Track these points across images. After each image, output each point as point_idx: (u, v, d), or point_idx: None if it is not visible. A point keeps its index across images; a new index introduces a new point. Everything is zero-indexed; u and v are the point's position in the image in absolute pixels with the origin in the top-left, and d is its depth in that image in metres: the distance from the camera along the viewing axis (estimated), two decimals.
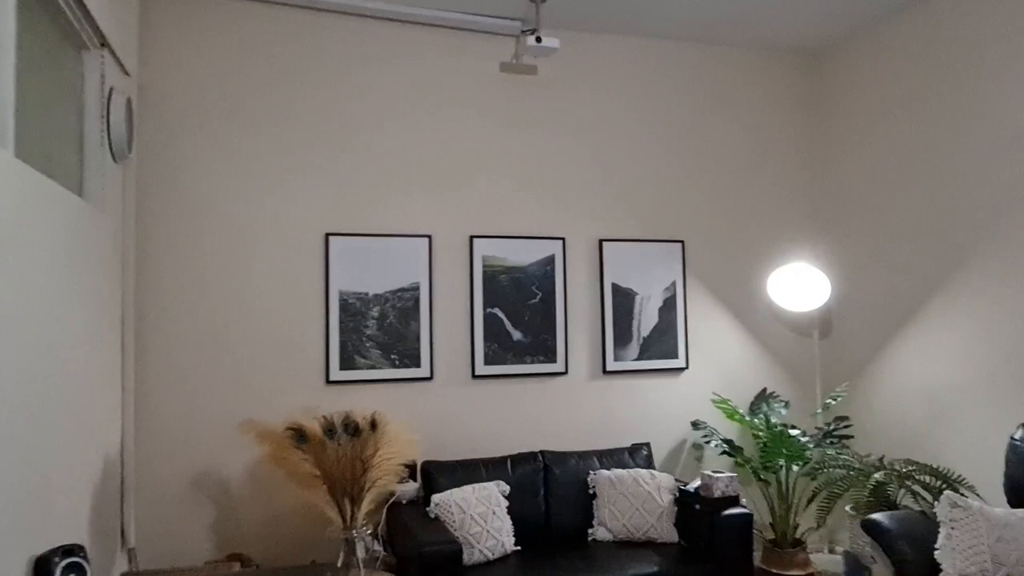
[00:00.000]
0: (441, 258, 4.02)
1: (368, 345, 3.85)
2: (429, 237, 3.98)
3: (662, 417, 4.33)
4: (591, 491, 3.75)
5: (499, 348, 4.06)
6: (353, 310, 3.84)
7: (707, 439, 4.17)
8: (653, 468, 3.97)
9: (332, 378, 3.78)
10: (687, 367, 4.38)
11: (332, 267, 3.82)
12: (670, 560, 3.34)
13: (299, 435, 3.16)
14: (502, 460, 3.76)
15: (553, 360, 4.15)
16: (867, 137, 4.33)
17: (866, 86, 4.34)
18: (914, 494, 3.37)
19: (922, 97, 3.96)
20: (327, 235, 3.82)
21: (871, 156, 4.31)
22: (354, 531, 3.08)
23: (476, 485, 3.52)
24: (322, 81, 3.87)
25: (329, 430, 3.17)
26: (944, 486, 3.33)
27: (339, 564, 3.07)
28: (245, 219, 3.71)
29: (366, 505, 3.18)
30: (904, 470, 3.45)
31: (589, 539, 3.65)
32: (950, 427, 3.78)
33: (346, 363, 3.81)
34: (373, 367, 3.85)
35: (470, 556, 3.25)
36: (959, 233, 3.74)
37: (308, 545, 3.65)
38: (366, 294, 3.87)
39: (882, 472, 3.38)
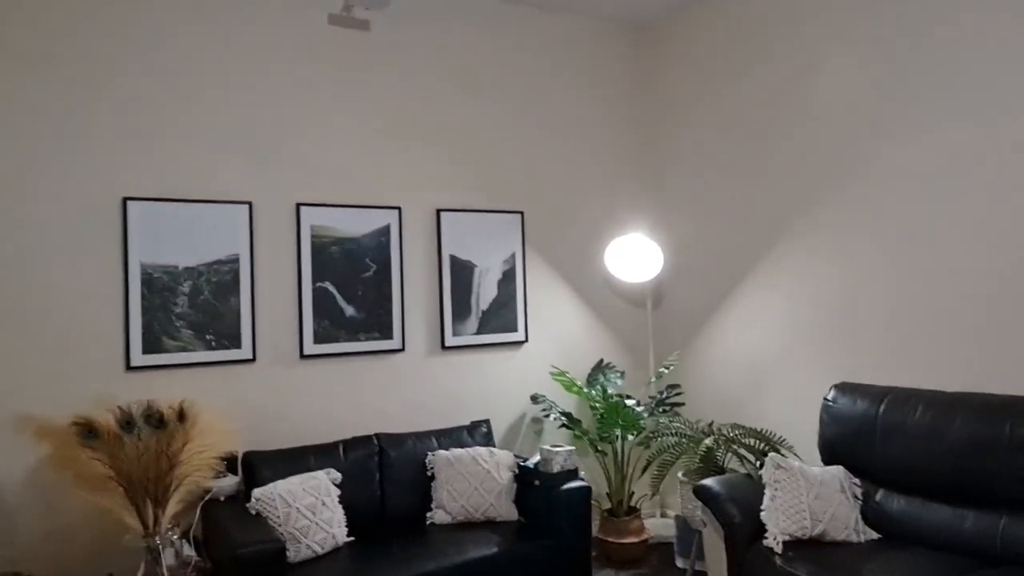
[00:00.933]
0: (264, 227, 3.64)
1: (178, 325, 3.42)
2: (249, 204, 3.59)
3: (502, 392, 4.24)
4: (429, 473, 3.58)
5: (330, 325, 3.77)
6: (159, 285, 3.38)
7: (546, 413, 4.13)
8: (493, 445, 3.87)
9: (134, 363, 3.32)
10: (526, 340, 4.32)
11: (131, 236, 3.34)
12: (509, 539, 3.25)
13: (88, 430, 2.72)
14: (333, 446, 3.49)
15: (389, 336, 3.92)
16: (696, 111, 4.44)
17: (696, 60, 4.44)
18: (740, 457, 3.51)
19: (745, 73, 4.10)
20: (125, 199, 3.32)
21: (700, 130, 4.42)
22: (157, 537, 2.71)
23: (304, 475, 3.23)
24: (122, 19, 3.34)
25: (126, 423, 2.77)
26: (767, 448, 3.49)
27: (140, 575, 2.69)
28: (20, 177, 3.13)
29: (173, 506, 2.82)
30: (731, 434, 3.58)
31: (428, 523, 3.49)
32: (771, 391, 3.98)
33: (151, 346, 3.36)
34: (185, 349, 3.43)
35: (296, 553, 2.98)
36: (779, 206, 3.92)
37: (103, 557, 3.18)
38: (175, 267, 3.42)
39: (711, 438, 3.49)
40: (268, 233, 3.65)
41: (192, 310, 3.45)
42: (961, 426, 2.81)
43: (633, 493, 4.17)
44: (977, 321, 3.08)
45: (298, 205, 3.70)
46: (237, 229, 3.57)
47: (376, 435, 3.62)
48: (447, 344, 4.07)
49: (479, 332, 4.17)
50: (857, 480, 3.12)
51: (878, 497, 3.05)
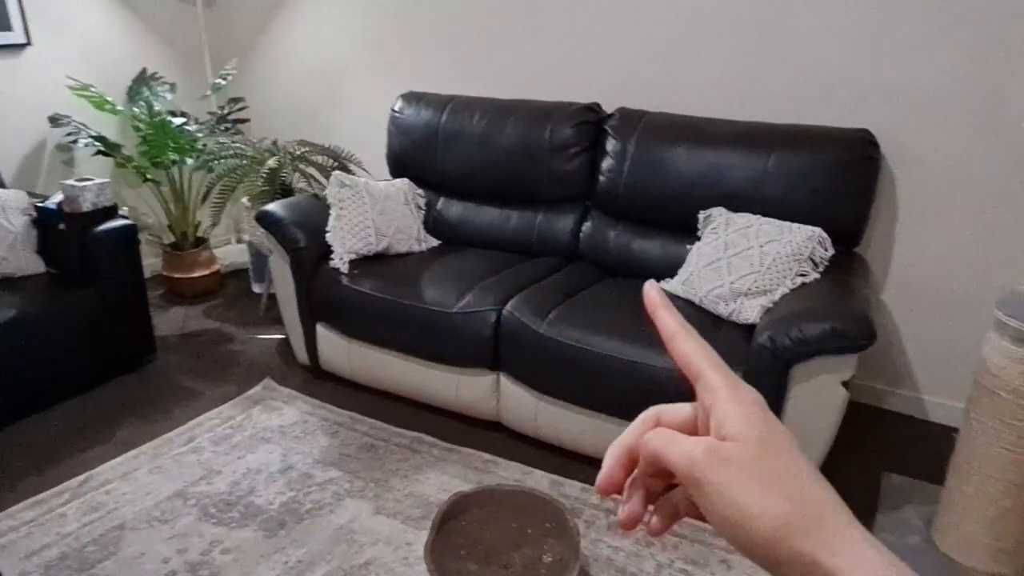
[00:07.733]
0: None
1: None
2: None
3: (4, 113, 3.27)
4: None
5: None
6: None
7: (73, 139, 3.33)
8: (1, 185, 3.03)
9: None
10: (29, 43, 3.29)
11: None
12: (36, 296, 2.68)
13: None
14: None
15: None
16: None
17: None
18: (307, 177, 3.29)
19: None
20: None
21: None
22: None
23: None
24: None
25: None
26: (336, 166, 3.32)
27: None
28: None
29: None
30: (297, 152, 3.30)
31: None
32: (342, 104, 3.72)
33: None
34: None
35: None
36: None
37: None
38: None
39: (275, 158, 3.17)
40: None
41: None
42: (511, 131, 2.92)
43: (200, 223, 3.76)
44: (532, 28, 3.10)
45: None
46: None
47: None
48: None
49: None
50: (421, 191, 3.15)
51: (439, 206, 3.14)
